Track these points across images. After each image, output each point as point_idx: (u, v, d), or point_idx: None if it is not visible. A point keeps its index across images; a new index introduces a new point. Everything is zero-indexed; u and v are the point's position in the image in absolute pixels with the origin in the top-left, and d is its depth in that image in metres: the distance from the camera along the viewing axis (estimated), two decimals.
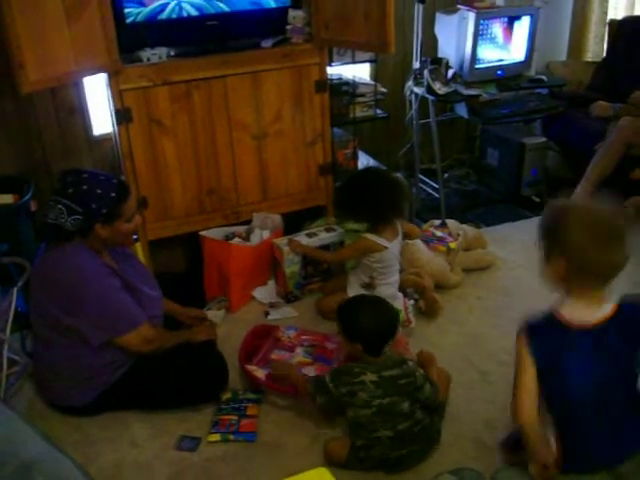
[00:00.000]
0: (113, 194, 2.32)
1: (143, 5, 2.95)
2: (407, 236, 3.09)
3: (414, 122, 3.91)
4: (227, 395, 2.53)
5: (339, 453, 2.19)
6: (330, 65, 3.34)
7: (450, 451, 2.27)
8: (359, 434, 2.17)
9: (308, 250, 3.08)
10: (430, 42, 3.91)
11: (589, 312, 1.69)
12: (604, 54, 4.42)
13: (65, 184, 2.30)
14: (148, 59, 2.98)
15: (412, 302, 2.91)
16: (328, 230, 3.21)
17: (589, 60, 4.49)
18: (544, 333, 1.72)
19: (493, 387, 2.55)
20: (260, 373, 2.46)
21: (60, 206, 2.26)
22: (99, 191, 2.29)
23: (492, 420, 2.37)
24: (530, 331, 1.72)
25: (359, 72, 3.74)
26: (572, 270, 1.65)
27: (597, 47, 4.51)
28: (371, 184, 2.84)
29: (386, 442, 2.14)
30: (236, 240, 3.18)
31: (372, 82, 3.67)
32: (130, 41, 2.96)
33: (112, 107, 2.97)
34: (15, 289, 2.52)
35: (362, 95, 3.56)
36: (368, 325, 2.20)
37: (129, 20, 2.94)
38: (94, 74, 2.94)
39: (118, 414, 2.49)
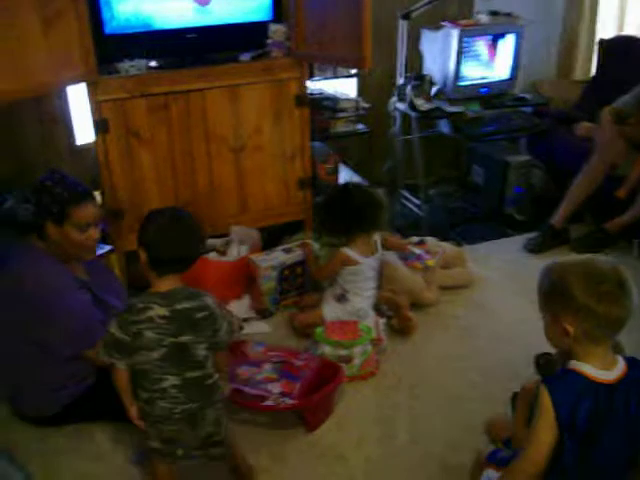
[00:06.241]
0: (67, 195, 2.29)
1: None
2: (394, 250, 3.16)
3: (397, 138, 3.90)
4: None
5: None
6: (312, 79, 3.34)
7: (415, 472, 2.23)
8: (143, 386, 1.94)
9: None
10: (415, 59, 3.91)
11: (604, 370, 1.64)
12: (592, 73, 4.42)
13: (38, 177, 2.33)
14: (127, 71, 2.99)
15: (384, 320, 2.88)
16: (304, 245, 3.19)
17: (576, 79, 4.48)
18: (566, 388, 1.64)
19: (461, 408, 2.51)
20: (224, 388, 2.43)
21: (21, 194, 2.32)
22: (57, 190, 2.28)
23: (458, 442, 2.33)
24: (551, 385, 1.64)
25: (345, 87, 3.75)
26: (582, 329, 1.61)
27: (585, 66, 4.51)
28: (348, 199, 2.86)
29: (171, 392, 1.92)
30: (213, 254, 3.17)
31: (355, 97, 3.67)
32: (109, 52, 2.98)
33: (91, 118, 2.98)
34: None
35: (344, 110, 3.55)
36: (157, 230, 1.94)
37: (107, 31, 2.95)
38: (71, 85, 2.95)
39: (84, 425, 2.45)
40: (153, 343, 1.89)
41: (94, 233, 2.39)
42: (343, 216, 2.83)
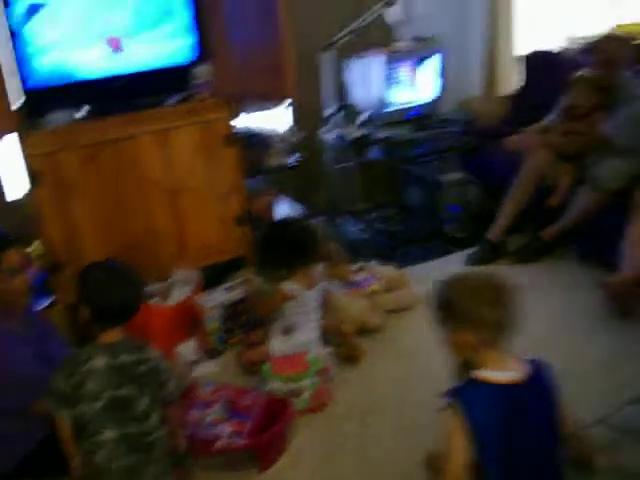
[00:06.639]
0: None
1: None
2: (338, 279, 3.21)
3: (330, 167, 3.95)
4: None
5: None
6: (244, 113, 3.36)
7: None
8: (82, 437, 1.93)
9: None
10: (344, 88, 3.96)
11: (506, 372, 1.72)
12: (515, 88, 4.55)
13: None
14: (54, 123, 2.98)
15: (329, 350, 2.89)
16: (245, 282, 3.20)
17: (502, 94, 4.60)
18: (472, 397, 1.70)
19: (413, 432, 2.50)
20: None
21: None
22: None
23: (411, 469, 2.29)
24: (458, 397, 1.70)
25: (281, 118, 3.77)
26: (475, 337, 1.71)
27: (508, 82, 4.63)
28: (285, 234, 2.88)
29: (109, 445, 1.90)
30: (155, 300, 3.15)
31: (286, 129, 3.70)
32: (34, 106, 2.97)
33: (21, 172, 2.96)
34: None
35: (275, 143, 3.59)
36: (95, 284, 2.02)
37: (29, 86, 2.94)
38: None
39: None
40: (94, 394, 1.89)
41: (23, 279, 2.38)
42: (281, 251, 2.84)
